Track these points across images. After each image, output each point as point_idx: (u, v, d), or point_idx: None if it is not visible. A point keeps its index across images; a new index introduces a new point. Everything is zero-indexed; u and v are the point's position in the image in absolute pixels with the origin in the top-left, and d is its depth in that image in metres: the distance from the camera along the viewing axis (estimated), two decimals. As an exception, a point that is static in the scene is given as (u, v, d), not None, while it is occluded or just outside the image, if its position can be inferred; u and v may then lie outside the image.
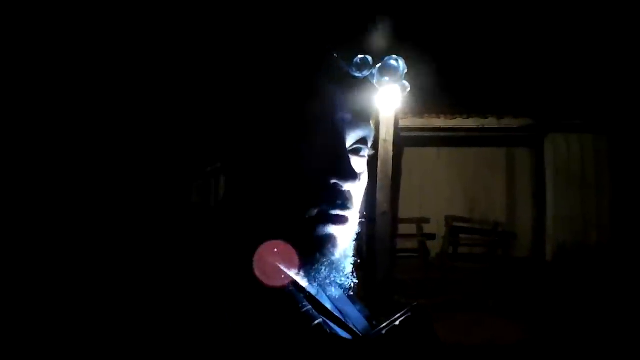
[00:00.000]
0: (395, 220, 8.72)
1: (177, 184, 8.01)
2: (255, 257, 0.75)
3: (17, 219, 5.83)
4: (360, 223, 0.89)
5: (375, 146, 0.87)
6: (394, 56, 0.94)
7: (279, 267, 0.79)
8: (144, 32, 7.34)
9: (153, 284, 0.75)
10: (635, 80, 8.28)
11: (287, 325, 0.72)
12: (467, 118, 9.68)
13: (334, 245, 0.81)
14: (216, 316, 0.68)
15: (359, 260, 0.89)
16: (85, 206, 6.56)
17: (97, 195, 6.77)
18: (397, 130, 7.29)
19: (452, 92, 8.90)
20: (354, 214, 0.85)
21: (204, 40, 6.91)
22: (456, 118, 9.72)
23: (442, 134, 10.17)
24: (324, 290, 0.93)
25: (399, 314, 0.82)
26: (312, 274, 0.83)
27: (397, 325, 0.80)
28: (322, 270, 0.81)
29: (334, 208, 0.80)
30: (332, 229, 0.81)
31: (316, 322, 0.74)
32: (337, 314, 0.84)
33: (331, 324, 0.79)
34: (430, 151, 11.15)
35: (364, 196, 0.89)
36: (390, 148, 5.92)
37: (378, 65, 0.90)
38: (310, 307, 0.77)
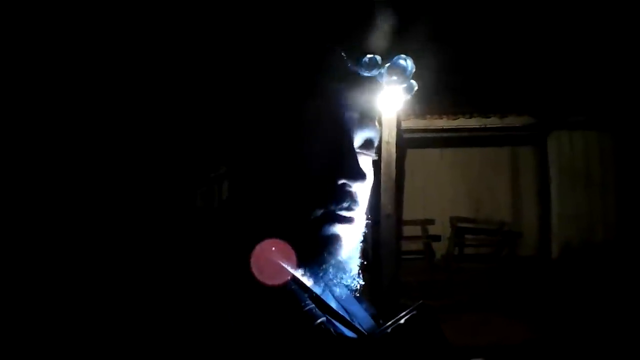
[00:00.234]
0: (399, 222, 8.71)
1: (181, 189, 8.01)
2: (253, 256, 0.75)
3: (23, 223, 5.84)
4: (366, 224, 0.88)
5: (378, 149, 0.86)
6: (402, 55, 0.94)
7: (277, 265, 0.79)
8: (148, 39, 7.36)
9: (156, 284, 0.75)
10: (638, 76, 8.26)
11: (289, 324, 0.72)
12: (470, 118, 9.67)
13: (341, 245, 0.81)
14: (218, 315, 0.68)
15: (365, 262, 0.88)
16: (90, 210, 6.57)
17: (102, 199, 6.78)
18: (400, 131, 7.28)
19: (454, 92, 8.88)
20: (360, 214, 0.85)
21: (207, 45, 6.91)
22: (459, 118, 9.71)
23: (444, 134, 10.16)
24: (330, 290, 0.93)
25: (404, 313, 0.82)
26: (318, 273, 0.83)
27: (402, 323, 0.79)
28: (328, 270, 0.81)
29: (341, 208, 0.80)
30: (338, 228, 0.81)
31: (319, 320, 0.74)
32: (342, 313, 0.85)
33: (336, 323, 0.79)
34: (433, 152, 11.14)
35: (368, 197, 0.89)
36: (393, 150, 5.91)
37: (387, 65, 0.90)
38: (313, 305, 0.76)
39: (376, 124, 0.87)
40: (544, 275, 8.76)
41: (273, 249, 0.78)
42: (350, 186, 0.81)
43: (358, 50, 0.86)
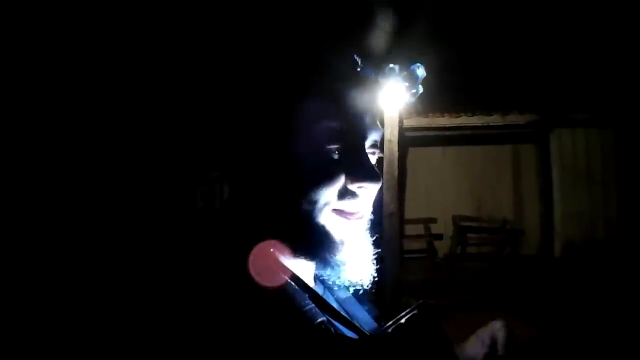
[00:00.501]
0: (402, 221, 8.70)
1: (181, 189, 8.02)
2: (250, 258, 0.75)
3: (24, 223, 5.86)
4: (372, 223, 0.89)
5: (380, 147, 0.87)
6: (418, 64, 0.96)
7: (275, 267, 0.78)
8: (147, 40, 7.36)
9: (157, 284, 0.76)
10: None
11: (288, 324, 0.71)
12: (472, 116, 9.65)
13: (346, 244, 0.82)
14: (219, 314, 0.68)
15: (378, 264, 0.89)
16: (91, 210, 6.58)
17: (102, 200, 6.79)
18: (402, 130, 7.27)
19: (456, 90, 8.88)
20: (367, 213, 0.86)
21: (205, 45, 6.92)
22: (461, 116, 9.69)
23: (446, 132, 10.15)
24: (331, 291, 0.93)
25: (404, 312, 0.82)
26: (320, 273, 0.85)
27: (402, 323, 0.80)
28: (330, 270, 0.82)
29: (348, 206, 0.82)
30: (344, 227, 0.82)
31: (319, 320, 0.73)
32: (343, 314, 0.84)
33: (336, 324, 0.79)
34: (436, 150, 11.14)
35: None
36: (396, 148, 5.90)
37: (404, 74, 0.91)
38: (313, 305, 0.76)
39: (378, 123, 0.87)
40: (547, 273, 8.75)
41: (272, 250, 0.78)
42: (366, 187, 0.82)
43: (357, 50, 0.87)
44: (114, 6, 7.11)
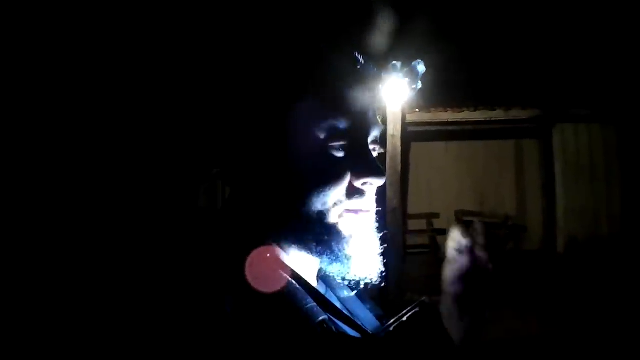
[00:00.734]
0: (404, 216, 8.70)
1: (183, 187, 8.02)
2: (247, 264, 0.74)
3: (23, 221, 5.86)
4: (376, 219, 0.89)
5: (383, 142, 0.88)
6: (419, 60, 0.96)
7: (274, 267, 0.78)
8: (149, 36, 7.36)
9: (157, 283, 0.76)
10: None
11: (288, 322, 0.71)
12: (475, 111, 9.64)
13: (354, 238, 0.82)
14: (219, 312, 0.69)
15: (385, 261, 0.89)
16: (91, 209, 6.58)
17: (102, 198, 6.79)
18: (405, 125, 7.26)
19: (458, 85, 8.86)
20: (371, 209, 0.86)
21: (204, 45, 6.92)
22: (463, 111, 9.68)
23: (449, 127, 10.14)
24: (333, 290, 0.93)
25: (406, 310, 0.82)
26: (326, 270, 0.85)
27: (404, 321, 0.80)
28: (340, 265, 0.82)
29: (357, 205, 0.82)
30: (353, 222, 0.82)
31: (320, 318, 0.73)
32: (345, 313, 0.84)
33: (338, 322, 0.79)
34: (438, 145, 11.13)
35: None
36: (398, 143, 5.89)
37: (406, 70, 0.92)
38: (314, 304, 0.75)
39: (379, 119, 0.87)
40: (549, 269, 8.74)
41: (271, 252, 0.78)
42: (371, 183, 0.82)
43: (363, 47, 0.87)
44: (117, 6, 7.11)
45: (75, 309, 4.29)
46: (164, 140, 7.59)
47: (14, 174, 6.06)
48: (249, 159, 0.84)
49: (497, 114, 9.64)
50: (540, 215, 10.69)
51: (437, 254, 10.14)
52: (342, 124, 0.80)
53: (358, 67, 0.85)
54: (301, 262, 0.84)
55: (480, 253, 0.98)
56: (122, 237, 6.08)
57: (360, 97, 0.82)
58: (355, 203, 0.82)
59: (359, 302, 0.97)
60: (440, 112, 9.72)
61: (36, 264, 5.42)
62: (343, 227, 0.81)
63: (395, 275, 5.76)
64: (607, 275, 7.43)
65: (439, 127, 10.16)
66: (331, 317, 0.78)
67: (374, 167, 0.81)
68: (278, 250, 0.83)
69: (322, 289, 0.87)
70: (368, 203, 0.84)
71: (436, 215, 10.43)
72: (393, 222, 5.78)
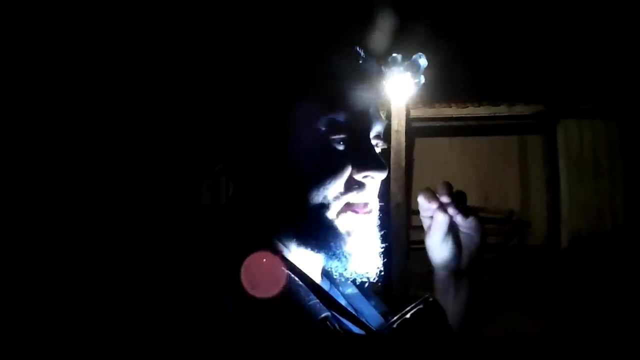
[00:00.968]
0: (409, 211, 8.70)
1: (186, 183, 8.02)
2: (249, 263, 0.74)
3: (23, 220, 5.87)
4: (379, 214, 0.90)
5: (387, 138, 0.87)
6: (420, 53, 0.96)
7: (276, 264, 0.78)
8: (150, 35, 7.36)
9: (158, 282, 0.76)
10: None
11: (290, 320, 0.71)
12: (479, 106, 9.62)
13: (353, 236, 0.82)
14: (220, 311, 0.68)
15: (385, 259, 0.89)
16: (91, 207, 6.59)
17: (103, 196, 6.80)
18: (409, 120, 7.25)
19: (462, 80, 8.84)
20: (373, 204, 0.86)
21: (205, 41, 6.92)
22: (467, 107, 9.66)
23: (453, 123, 10.12)
24: (337, 287, 0.94)
25: (409, 307, 0.82)
26: (327, 266, 0.85)
27: (407, 318, 0.79)
28: (338, 262, 0.82)
29: (356, 199, 0.82)
30: (352, 220, 0.82)
31: (323, 315, 0.73)
32: (349, 309, 0.84)
33: (342, 319, 0.79)
34: (442, 141, 11.11)
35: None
36: (403, 139, 5.88)
37: (407, 63, 0.92)
38: (317, 301, 0.76)
39: (382, 115, 0.87)
40: (553, 264, 8.73)
41: (264, 260, 0.78)
42: (373, 177, 0.82)
43: (366, 42, 0.87)
44: (120, 5, 7.12)
45: (75, 308, 4.29)
46: (167, 137, 7.59)
47: (13, 169, 6.06)
48: (252, 155, 0.84)
49: (501, 110, 9.61)
50: (544, 211, 10.67)
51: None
52: (342, 118, 0.80)
53: (359, 62, 0.85)
54: (304, 258, 0.84)
55: (451, 212, 0.98)
56: (123, 235, 6.08)
57: (361, 92, 0.82)
58: (355, 196, 0.82)
59: (363, 299, 0.97)
60: (444, 107, 9.70)
61: (36, 264, 5.42)
62: (342, 224, 0.81)
63: (399, 271, 5.75)
64: (611, 271, 7.42)
65: (442, 123, 10.14)
66: (334, 314, 0.78)
67: (375, 160, 0.82)
68: (280, 246, 0.84)
69: (326, 286, 0.88)
70: (369, 197, 0.84)
71: (440, 211, 10.41)
72: (397, 218, 5.78)
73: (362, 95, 0.82)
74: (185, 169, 7.84)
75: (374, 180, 0.83)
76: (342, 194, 0.81)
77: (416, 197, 1.01)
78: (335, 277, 0.87)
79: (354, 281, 0.88)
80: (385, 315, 0.96)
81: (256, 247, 0.78)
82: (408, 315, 0.80)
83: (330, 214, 0.80)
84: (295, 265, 0.80)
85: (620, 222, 9.15)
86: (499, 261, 9.02)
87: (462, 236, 1.01)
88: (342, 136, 0.80)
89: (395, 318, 0.80)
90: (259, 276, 0.73)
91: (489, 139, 10.90)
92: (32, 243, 5.67)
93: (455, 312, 0.96)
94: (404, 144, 5.84)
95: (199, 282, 0.72)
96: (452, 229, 1.01)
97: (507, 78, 9.15)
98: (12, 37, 6.19)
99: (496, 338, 5.04)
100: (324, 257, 0.83)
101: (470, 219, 1.00)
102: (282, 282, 0.75)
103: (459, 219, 0.99)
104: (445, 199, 0.98)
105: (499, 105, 9.57)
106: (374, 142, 0.85)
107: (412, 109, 8.86)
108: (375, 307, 0.97)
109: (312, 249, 0.82)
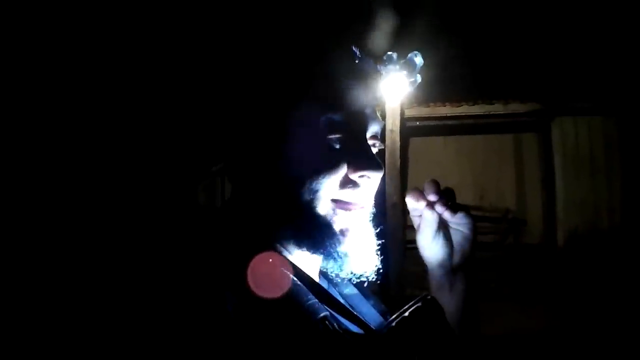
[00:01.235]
0: (405, 211, 8.70)
1: (182, 185, 8.02)
2: (249, 271, 0.73)
3: (20, 219, 5.85)
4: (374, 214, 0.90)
5: (382, 137, 0.88)
6: (415, 52, 0.96)
7: (273, 268, 0.78)
8: (146, 35, 7.35)
9: (158, 281, 0.76)
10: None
11: (289, 319, 0.71)
12: (473, 105, 9.62)
13: (348, 235, 0.83)
14: (220, 311, 0.68)
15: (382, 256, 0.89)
16: (88, 207, 6.58)
17: (100, 196, 6.79)
18: (403, 120, 7.25)
19: (457, 79, 8.85)
20: (368, 204, 0.87)
21: (203, 41, 6.92)
22: (462, 105, 9.65)
23: (448, 122, 10.12)
24: (335, 286, 0.94)
25: (408, 306, 0.82)
26: (324, 266, 0.86)
27: (406, 316, 0.79)
28: (333, 262, 0.82)
29: (347, 196, 0.82)
30: (346, 218, 0.82)
31: (321, 315, 0.73)
32: (348, 308, 0.84)
33: (340, 318, 0.79)
34: (437, 140, 11.12)
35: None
36: (397, 139, 5.90)
37: (402, 61, 0.92)
38: (315, 300, 0.75)
39: (379, 115, 0.87)
40: (550, 262, 8.74)
41: (270, 260, 0.78)
42: (369, 177, 0.82)
43: (362, 42, 0.87)
44: (122, 5, 7.12)
45: (75, 308, 4.28)
46: (164, 137, 7.59)
47: (13, 173, 6.05)
48: (251, 154, 0.84)
49: (496, 108, 9.61)
50: (540, 209, 10.69)
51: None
52: (340, 117, 0.80)
53: (357, 62, 0.85)
54: (302, 257, 0.84)
55: (439, 209, 0.98)
56: (121, 235, 6.07)
57: (358, 92, 0.82)
58: (347, 194, 0.82)
59: (361, 298, 0.98)
60: (439, 106, 9.70)
61: (35, 264, 5.41)
62: (336, 223, 0.81)
63: (396, 271, 5.76)
64: (607, 269, 7.43)
65: (437, 122, 10.14)
66: (333, 313, 0.77)
67: (370, 160, 0.81)
68: (278, 246, 0.84)
69: (323, 285, 0.87)
70: (361, 196, 0.84)
71: (436, 210, 10.42)
72: (393, 218, 5.79)
73: (359, 96, 0.82)
74: (182, 170, 7.83)
75: (370, 180, 0.83)
76: (338, 192, 0.81)
77: (412, 197, 1.01)
78: (333, 277, 0.87)
79: (352, 281, 0.88)
80: (384, 314, 0.96)
81: (255, 246, 0.78)
82: (407, 314, 0.79)
83: (325, 213, 0.81)
84: (294, 265, 0.80)
85: (617, 220, 9.17)
86: (495, 260, 9.04)
87: (453, 233, 1.01)
88: (338, 136, 0.80)
89: (394, 317, 0.80)
90: (262, 277, 0.73)
91: (484, 137, 10.92)
92: (31, 243, 5.66)
93: (451, 309, 0.96)
94: (398, 144, 5.85)
95: (200, 281, 0.72)
96: (443, 227, 1.01)
97: (502, 76, 9.16)
98: (12, 37, 6.18)
99: (493, 336, 5.05)
100: (320, 257, 0.83)
101: (460, 215, 0.99)
102: (287, 284, 0.75)
103: (447, 215, 0.99)
104: (432, 197, 0.98)
105: (494, 104, 9.57)
106: (371, 142, 0.85)
107: (407, 108, 8.88)
108: (373, 306, 0.97)
109: (308, 249, 0.82)
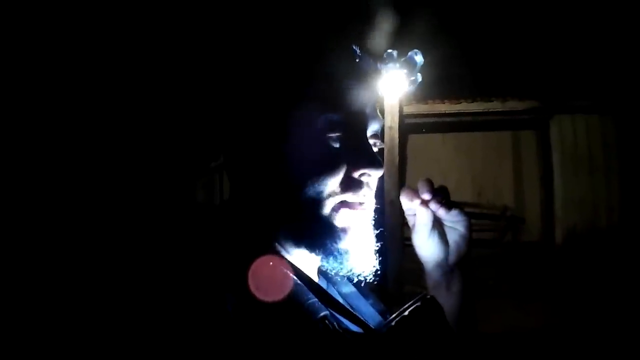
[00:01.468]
0: (402, 208, 8.70)
1: (181, 181, 8.01)
2: (249, 274, 0.73)
3: (19, 218, 5.84)
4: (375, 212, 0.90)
5: (380, 135, 0.88)
6: (416, 50, 0.96)
7: (273, 268, 0.77)
8: (144, 32, 7.35)
9: (157, 281, 0.76)
10: (641, 59, 8.21)
11: (289, 319, 0.70)
12: (472, 102, 9.62)
13: (349, 233, 0.82)
14: (220, 311, 0.68)
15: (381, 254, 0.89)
16: (86, 205, 6.57)
17: (98, 194, 6.78)
18: (402, 117, 7.25)
19: (455, 76, 8.85)
20: (372, 202, 0.86)
21: (203, 38, 6.92)
22: (461, 103, 9.66)
23: (447, 119, 10.12)
24: (334, 286, 0.95)
25: (407, 304, 0.81)
26: (323, 265, 0.85)
27: (406, 315, 0.79)
28: (333, 259, 0.82)
29: (353, 198, 0.82)
30: (348, 216, 0.82)
31: (321, 314, 0.73)
32: (347, 308, 0.83)
33: (340, 318, 0.78)
34: (436, 137, 11.11)
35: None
36: (396, 136, 5.89)
37: (402, 60, 0.92)
38: (315, 300, 0.75)
39: (379, 114, 0.87)
40: (548, 260, 8.76)
41: (271, 263, 0.77)
42: (369, 175, 0.82)
43: (362, 41, 0.87)
44: (121, 4, 7.11)
45: (74, 308, 4.28)
46: (162, 134, 7.58)
47: (12, 172, 6.04)
48: (251, 153, 0.84)
49: (495, 106, 9.61)
50: (538, 207, 10.70)
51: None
52: (340, 116, 0.80)
53: (357, 60, 0.85)
54: (301, 257, 0.84)
55: (433, 207, 0.98)
56: (120, 233, 6.07)
57: (358, 90, 0.82)
58: (351, 196, 0.82)
59: (361, 297, 0.97)
60: (438, 103, 9.70)
61: (34, 264, 5.40)
62: (337, 221, 0.81)
63: (394, 269, 5.76)
64: (605, 267, 7.44)
65: (436, 119, 10.14)
66: (333, 312, 0.77)
67: (370, 158, 0.81)
68: (278, 246, 0.84)
69: (323, 284, 0.87)
70: (365, 196, 0.84)
71: (434, 207, 10.42)
72: (391, 215, 5.78)
73: (359, 95, 0.82)
74: (181, 167, 7.83)
75: (370, 178, 0.83)
76: (338, 191, 0.81)
77: (410, 194, 1.01)
78: (332, 276, 0.87)
79: (351, 280, 0.88)
80: (383, 313, 0.96)
81: (255, 246, 0.78)
82: (406, 313, 0.79)
83: (326, 211, 0.80)
84: (293, 264, 0.80)
85: (615, 218, 9.18)
86: (493, 257, 9.06)
87: (448, 231, 1.01)
88: (337, 134, 0.80)
89: (393, 316, 0.80)
90: (263, 280, 0.73)
91: (483, 134, 10.92)
92: (30, 243, 5.66)
93: (448, 308, 0.96)
94: (397, 141, 5.85)
95: (199, 281, 0.72)
96: (438, 225, 1.01)
97: (501, 74, 9.16)
98: (12, 37, 6.17)
99: (491, 334, 5.05)
100: (320, 255, 0.83)
101: (454, 212, 0.98)
102: (288, 286, 0.75)
103: (441, 213, 0.98)
104: (426, 196, 0.98)
105: (492, 101, 9.57)
106: (371, 141, 0.85)
107: (405, 105, 8.87)
108: (373, 305, 0.97)
109: (308, 248, 0.82)
